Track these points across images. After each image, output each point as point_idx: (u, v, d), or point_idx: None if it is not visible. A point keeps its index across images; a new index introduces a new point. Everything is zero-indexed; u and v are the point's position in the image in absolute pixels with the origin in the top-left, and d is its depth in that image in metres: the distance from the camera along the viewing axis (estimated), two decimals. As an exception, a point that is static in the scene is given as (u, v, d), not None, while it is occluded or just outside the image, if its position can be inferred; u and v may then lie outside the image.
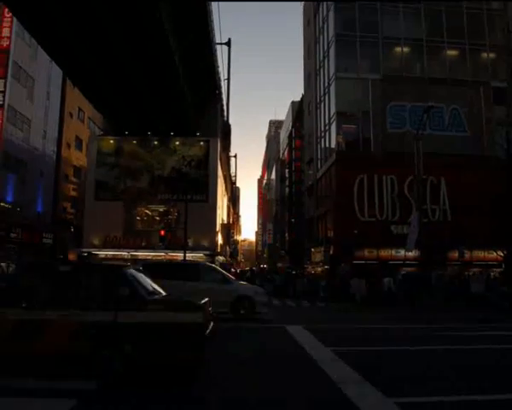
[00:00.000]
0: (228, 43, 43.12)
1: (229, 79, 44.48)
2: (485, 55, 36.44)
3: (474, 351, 8.92)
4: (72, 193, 45.01)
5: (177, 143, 35.84)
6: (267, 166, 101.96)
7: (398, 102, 34.08)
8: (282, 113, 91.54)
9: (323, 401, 5.52)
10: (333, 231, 34.07)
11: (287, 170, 60.91)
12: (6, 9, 30.77)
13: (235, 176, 71.32)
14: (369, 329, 12.75)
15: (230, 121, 49.20)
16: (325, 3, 39.51)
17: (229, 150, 53.32)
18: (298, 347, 9.19)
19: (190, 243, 31.25)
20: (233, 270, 40.64)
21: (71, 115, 44.50)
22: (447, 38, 35.70)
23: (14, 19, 30.40)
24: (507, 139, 33.51)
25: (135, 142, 35.78)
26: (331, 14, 37.04)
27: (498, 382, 6.46)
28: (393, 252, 32.05)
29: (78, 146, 46.53)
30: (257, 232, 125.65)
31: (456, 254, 31.33)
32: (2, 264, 34.53)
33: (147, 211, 36.78)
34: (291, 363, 7.80)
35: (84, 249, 34.18)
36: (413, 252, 28.80)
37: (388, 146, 32.79)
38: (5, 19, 33.32)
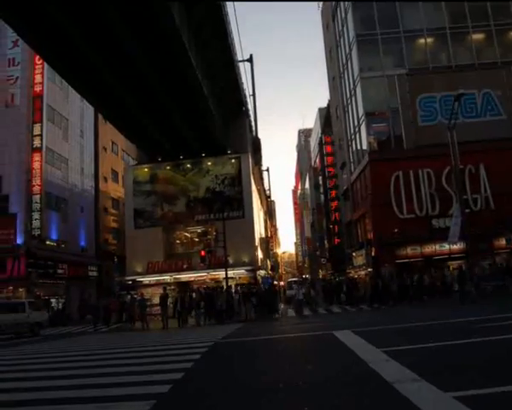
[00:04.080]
0: (250, 60, 43.50)
1: (254, 93, 44.77)
2: (512, 33, 35.37)
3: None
4: (113, 224, 46.23)
5: (209, 163, 36.24)
6: (300, 175, 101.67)
7: (427, 94, 33.40)
8: (310, 121, 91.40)
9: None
10: (372, 232, 33.50)
11: (320, 177, 60.52)
12: (37, 57, 32.20)
13: (270, 189, 71.39)
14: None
15: (259, 135, 49.52)
16: (342, 5, 39.39)
17: (261, 164, 53.50)
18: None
19: (231, 260, 31.35)
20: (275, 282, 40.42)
21: (105, 149, 45.92)
22: (471, 22, 34.85)
23: (45, 64, 31.74)
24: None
25: (168, 167, 36.40)
26: (349, 16, 36.89)
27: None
28: (437, 247, 31.22)
29: (115, 178, 47.90)
30: (296, 243, 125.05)
31: (503, 242, 30.34)
32: (53, 300, 35.75)
33: (185, 234, 37.24)
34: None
35: (128, 278, 34.86)
36: (457, 245, 28.02)
37: (421, 140, 32.13)
38: (37, 66, 34.88)
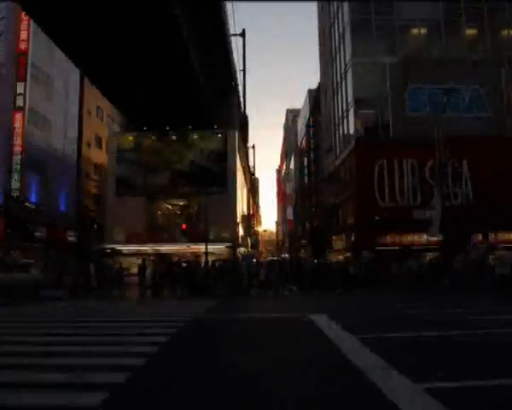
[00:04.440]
0: (242, 34, 42.93)
1: (244, 70, 44.31)
2: (505, 32, 35.54)
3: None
4: (94, 191, 45.75)
5: (195, 136, 36.00)
6: (285, 155, 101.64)
7: (416, 84, 33.51)
8: (299, 101, 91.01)
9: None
10: (354, 217, 33.87)
11: (305, 159, 60.64)
12: (23, 13, 31.23)
13: (254, 167, 71.27)
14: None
15: (247, 112, 49.12)
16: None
17: (247, 141, 53.29)
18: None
19: (212, 235, 31.44)
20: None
21: (89, 113, 45.11)
22: (465, 17, 34.89)
23: (31, 21, 30.83)
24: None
25: (153, 137, 36.06)
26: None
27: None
28: (416, 237, 31.75)
29: (98, 144, 47.22)
30: (277, 222, 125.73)
31: (480, 238, 31.00)
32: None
33: (168, 205, 37.11)
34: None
35: (108, 246, 34.72)
36: (437, 237, 28.52)
37: (408, 130, 32.32)
38: (23, 22, 33.82)
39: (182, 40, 23.97)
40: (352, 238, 33.51)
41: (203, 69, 30.36)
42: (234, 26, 36.92)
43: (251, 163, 66.99)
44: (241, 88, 43.38)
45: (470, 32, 35.58)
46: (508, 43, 35.00)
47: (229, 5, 33.15)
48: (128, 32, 22.48)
